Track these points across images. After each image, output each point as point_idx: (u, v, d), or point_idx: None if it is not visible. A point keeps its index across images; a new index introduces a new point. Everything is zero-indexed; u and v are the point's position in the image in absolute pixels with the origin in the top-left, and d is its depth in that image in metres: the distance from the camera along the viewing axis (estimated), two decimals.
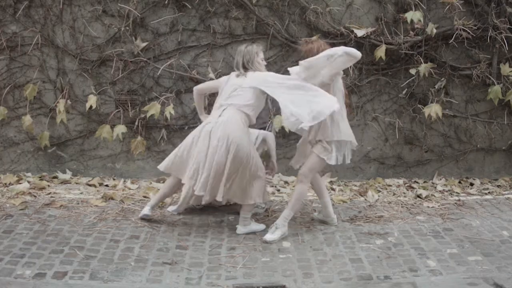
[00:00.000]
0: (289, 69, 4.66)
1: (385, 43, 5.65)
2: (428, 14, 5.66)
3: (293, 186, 5.72)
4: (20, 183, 5.52)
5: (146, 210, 4.64)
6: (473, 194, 5.63)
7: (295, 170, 4.87)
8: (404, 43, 5.64)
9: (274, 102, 4.77)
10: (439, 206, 5.22)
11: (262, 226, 4.58)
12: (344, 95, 4.52)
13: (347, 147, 4.51)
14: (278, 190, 5.66)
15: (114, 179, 5.86)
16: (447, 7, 5.65)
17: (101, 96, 5.78)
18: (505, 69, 5.78)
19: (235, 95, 4.47)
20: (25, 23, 5.65)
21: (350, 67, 5.73)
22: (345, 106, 4.55)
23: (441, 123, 5.99)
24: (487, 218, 4.91)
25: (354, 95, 5.89)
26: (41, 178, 5.75)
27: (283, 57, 5.78)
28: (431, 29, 5.55)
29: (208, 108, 5.37)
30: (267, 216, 4.90)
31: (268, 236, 4.35)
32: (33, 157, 5.89)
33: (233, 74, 4.61)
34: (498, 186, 5.91)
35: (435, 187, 5.80)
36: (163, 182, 5.42)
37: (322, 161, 4.43)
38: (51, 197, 5.24)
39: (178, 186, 4.71)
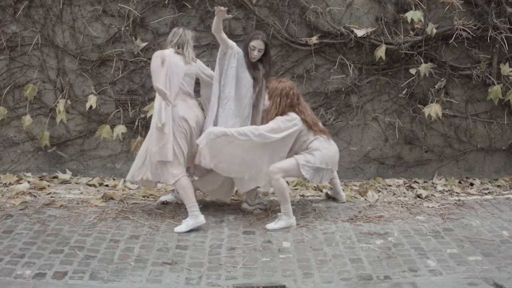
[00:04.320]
0: None
1: (385, 43, 5.65)
2: (428, 14, 5.66)
3: (294, 186, 5.74)
4: (20, 183, 5.52)
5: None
6: (473, 194, 5.63)
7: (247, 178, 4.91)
8: (404, 43, 5.64)
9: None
10: (439, 206, 5.22)
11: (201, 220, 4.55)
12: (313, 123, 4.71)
13: (324, 171, 4.70)
14: None
15: (114, 179, 5.86)
16: (447, 7, 5.66)
17: (101, 96, 5.78)
18: (505, 69, 5.78)
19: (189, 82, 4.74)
20: (25, 23, 5.65)
21: (350, 66, 5.75)
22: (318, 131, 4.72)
23: (441, 123, 5.99)
24: (487, 218, 4.91)
25: (354, 95, 5.90)
26: (41, 178, 5.75)
27: (283, 57, 5.78)
28: (431, 29, 5.55)
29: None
30: (267, 216, 4.90)
31: (269, 225, 4.58)
32: (33, 157, 5.89)
33: (170, 52, 4.70)
34: (498, 186, 5.91)
35: (435, 187, 5.80)
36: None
37: (298, 169, 4.59)
38: (51, 197, 5.24)
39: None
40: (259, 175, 4.66)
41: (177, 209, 5.01)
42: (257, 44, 4.66)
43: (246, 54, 4.71)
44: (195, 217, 4.50)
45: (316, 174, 4.65)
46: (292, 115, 4.60)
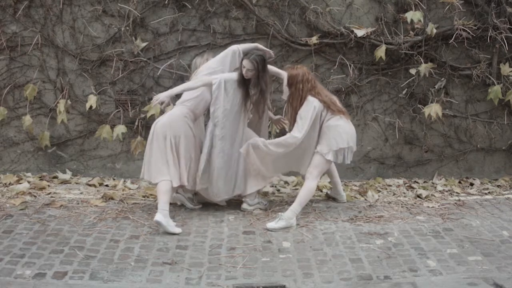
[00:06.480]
0: None
1: (385, 43, 5.65)
2: (428, 14, 5.66)
3: (294, 186, 5.74)
4: (20, 183, 5.52)
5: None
6: (473, 194, 5.63)
7: (295, 170, 5.10)
8: (404, 43, 5.64)
9: None
10: (439, 206, 5.22)
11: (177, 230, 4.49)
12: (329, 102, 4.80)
13: (346, 150, 4.81)
14: (278, 190, 5.67)
15: (114, 179, 5.86)
16: (447, 7, 5.66)
17: (101, 96, 5.78)
18: (505, 69, 5.77)
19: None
20: (25, 23, 5.65)
21: (350, 66, 5.75)
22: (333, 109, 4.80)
23: (441, 123, 5.99)
24: (487, 218, 4.91)
25: (354, 95, 5.90)
26: (41, 178, 5.75)
27: (283, 57, 5.78)
28: (431, 29, 5.55)
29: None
30: (267, 216, 4.90)
31: (270, 224, 4.59)
32: (33, 157, 5.89)
33: None
34: (498, 186, 5.91)
35: (435, 187, 5.80)
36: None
37: (325, 159, 4.74)
38: (51, 197, 5.24)
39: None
40: (300, 162, 4.90)
41: (176, 209, 5.01)
42: (245, 63, 4.72)
43: (241, 69, 4.78)
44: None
45: (339, 154, 4.79)
46: (309, 98, 4.73)
